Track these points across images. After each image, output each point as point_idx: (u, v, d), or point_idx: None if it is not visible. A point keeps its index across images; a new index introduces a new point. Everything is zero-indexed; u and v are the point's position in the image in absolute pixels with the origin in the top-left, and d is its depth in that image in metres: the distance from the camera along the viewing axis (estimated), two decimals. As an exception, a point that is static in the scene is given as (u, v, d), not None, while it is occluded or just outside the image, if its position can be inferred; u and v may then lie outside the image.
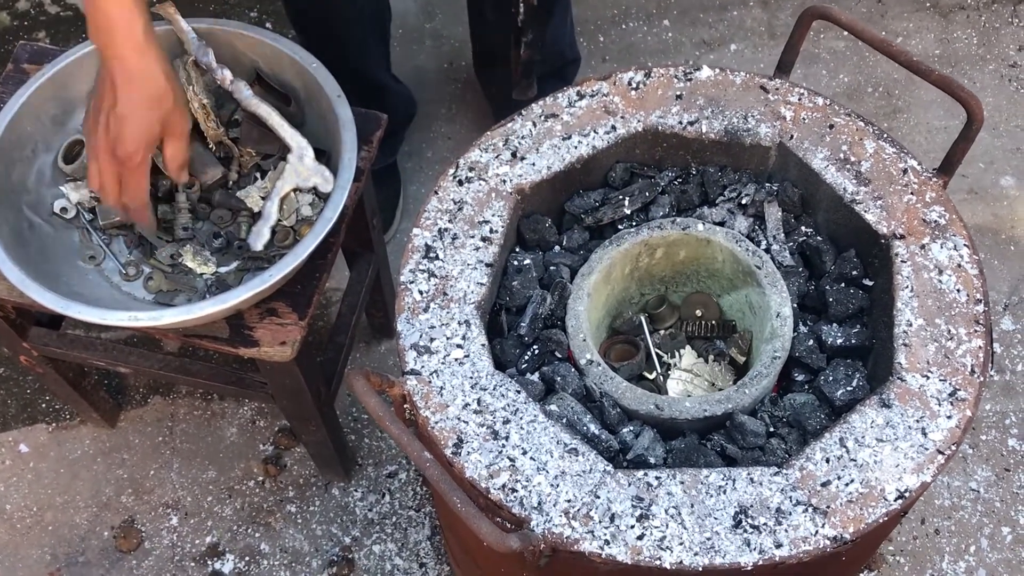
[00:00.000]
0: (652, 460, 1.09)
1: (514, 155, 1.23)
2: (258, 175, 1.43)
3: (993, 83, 2.41)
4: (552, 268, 1.23)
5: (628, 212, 1.24)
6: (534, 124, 1.25)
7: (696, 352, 1.29)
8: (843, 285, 1.19)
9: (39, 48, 1.56)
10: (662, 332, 1.31)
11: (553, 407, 1.11)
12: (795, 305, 1.20)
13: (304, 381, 1.47)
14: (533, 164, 1.22)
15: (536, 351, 1.17)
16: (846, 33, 2.46)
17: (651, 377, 1.27)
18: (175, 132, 1.26)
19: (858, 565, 1.11)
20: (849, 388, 1.13)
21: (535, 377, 1.16)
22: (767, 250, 1.24)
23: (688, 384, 1.25)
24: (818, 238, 1.23)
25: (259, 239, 1.35)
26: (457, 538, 1.36)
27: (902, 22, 2.49)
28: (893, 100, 2.38)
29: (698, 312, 1.31)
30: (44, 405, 2.03)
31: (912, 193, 1.18)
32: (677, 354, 1.27)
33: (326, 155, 1.39)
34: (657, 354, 1.28)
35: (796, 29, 1.24)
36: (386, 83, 2.04)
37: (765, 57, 2.44)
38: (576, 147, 1.23)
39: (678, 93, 1.26)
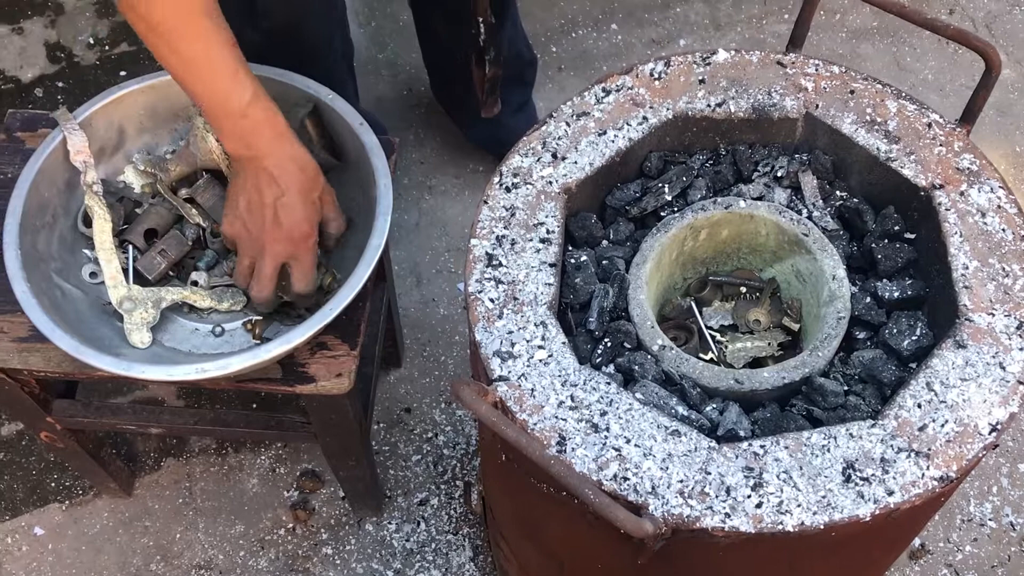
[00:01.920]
0: (742, 433, 1.11)
1: (555, 156, 1.24)
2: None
3: (932, 47, 2.51)
4: (605, 262, 1.25)
5: (669, 199, 1.27)
6: (567, 124, 1.26)
7: (746, 322, 1.32)
8: (887, 241, 1.23)
9: (30, 115, 1.53)
10: (713, 312, 1.33)
11: (639, 395, 1.12)
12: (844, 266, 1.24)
13: (351, 414, 1.46)
14: (575, 163, 1.24)
15: (608, 344, 1.19)
16: (787, 16, 2.55)
17: (707, 358, 1.30)
18: (330, 205, 1.34)
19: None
20: (914, 337, 1.17)
21: (611, 369, 1.18)
22: (808, 217, 1.27)
23: (749, 351, 1.28)
24: (854, 200, 1.27)
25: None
26: (537, 543, 1.36)
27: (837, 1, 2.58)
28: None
29: (743, 289, 1.34)
30: (53, 484, 1.97)
31: (941, 145, 1.23)
32: (744, 322, 1.29)
33: (351, 224, 1.39)
34: (711, 335, 1.31)
35: (806, 3, 1.28)
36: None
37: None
38: (613, 141, 1.25)
39: (700, 78, 1.29)
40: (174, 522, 1.93)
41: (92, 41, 2.51)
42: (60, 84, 2.44)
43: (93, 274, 1.36)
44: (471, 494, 1.80)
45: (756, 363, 1.29)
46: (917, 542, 1.89)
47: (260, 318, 1.35)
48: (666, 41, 2.52)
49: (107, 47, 2.50)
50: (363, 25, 2.51)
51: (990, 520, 1.90)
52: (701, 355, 1.29)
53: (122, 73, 2.45)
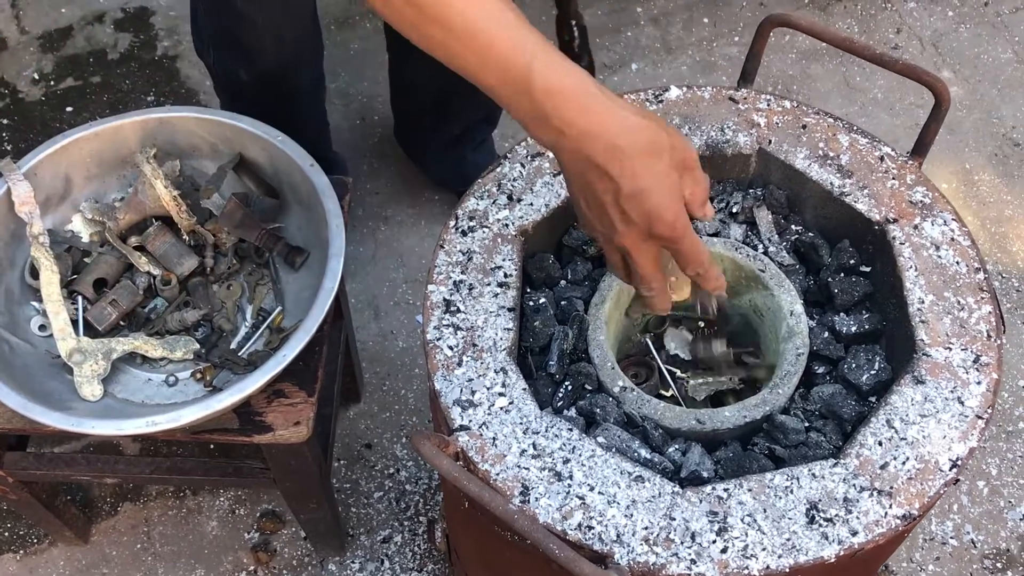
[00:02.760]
0: (705, 474, 1.11)
1: (510, 198, 1.23)
2: (235, 260, 1.40)
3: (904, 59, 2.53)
4: (564, 303, 1.24)
5: (626, 237, 1.26)
6: (522, 165, 1.26)
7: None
8: (844, 275, 1.24)
9: (-28, 164, 1.49)
10: (670, 350, 1.33)
11: (601, 439, 1.11)
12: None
13: (310, 459, 1.44)
14: (531, 204, 1.23)
15: (569, 387, 1.18)
16: (737, 39, 2.57)
17: (668, 394, 1.29)
18: (690, 164, 0.98)
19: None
20: (872, 371, 1.17)
21: (572, 412, 1.17)
22: (764, 252, 1.27)
23: (711, 386, 1.27)
24: (810, 234, 1.28)
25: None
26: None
27: (786, 21, 2.60)
28: (793, 96, 2.48)
29: (700, 324, 1.34)
30: (7, 534, 1.92)
31: (893, 178, 1.24)
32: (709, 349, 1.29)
33: (305, 254, 1.38)
34: (669, 371, 1.30)
35: (757, 38, 1.29)
36: (328, 155, 2.04)
37: (666, 72, 2.51)
38: (569, 181, 1.24)
39: (654, 115, 1.29)
40: (133, 568, 1.89)
41: (37, 76, 2.47)
42: (5, 121, 2.40)
43: (42, 327, 1.33)
44: (435, 531, 1.79)
45: (717, 397, 1.29)
46: (881, 563, 1.90)
47: (208, 365, 1.32)
48: (618, 66, 2.53)
49: (52, 82, 2.46)
50: (314, 55, 2.49)
51: (951, 539, 1.92)
52: (663, 391, 1.29)
53: (68, 109, 2.41)
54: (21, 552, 1.91)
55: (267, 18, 1.60)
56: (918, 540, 1.92)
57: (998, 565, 1.89)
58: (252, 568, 1.89)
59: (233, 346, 1.36)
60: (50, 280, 1.30)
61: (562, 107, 0.91)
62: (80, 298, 1.34)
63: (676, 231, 0.96)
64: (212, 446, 1.96)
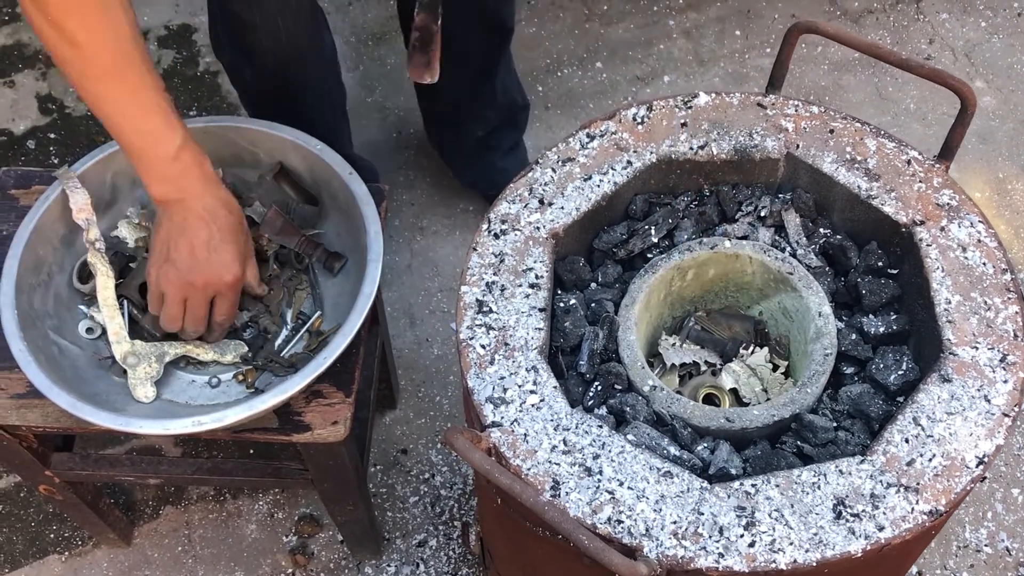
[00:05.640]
0: (733, 471, 1.12)
1: (541, 202, 1.26)
2: (276, 265, 1.44)
3: (914, 77, 2.53)
4: (594, 305, 1.26)
5: (655, 240, 1.29)
6: (553, 170, 1.29)
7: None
8: (871, 276, 1.26)
9: (23, 172, 1.55)
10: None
11: (631, 436, 1.14)
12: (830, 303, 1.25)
13: (347, 460, 1.47)
14: (562, 208, 1.26)
15: (599, 387, 1.20)
16: (768, 50, 2.59)
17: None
18: (250, 252, 1.36)
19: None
20: (900, 372, 1.18)
21: (603, 411, 1.19)
22: (793, 255, 1.29)
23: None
24: (838, 237, 1.29)
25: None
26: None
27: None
28: (825, 105, 2.49)
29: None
30: (52, 536, 1.97)
31: (920, 181, 1.25)
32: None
33: (344, 260, 1.41)
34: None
35: (784, 45, 1.31)
36: (351, 153, 2.07)
37: (697, 84, 2.54)
38: (599, 185, 1.27)
39: (683, 121, 1.31)
40: (173, 570, 1.94)
41: (83, 92, 2.53)
42: (52, 136, 2.47)
43: (90, 330, 1.37)
44: (469, 534, 1.81)
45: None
46: (914, 570, 1.89)
47: (251, 367, 1.36)
48: (650, 78, 2.55)
49: (98, 98, 2.52)
50: (351, 70, 2.54)
51: (986, 546, 1.91)
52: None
53: (113, 123, 2.47)
54: (67, 554, 1.95)
55: (263, 18, 1.64)
56: (952, 547, 1.92)
57: (1033, 573, 1.89)
58: (290, 571, 1.92)
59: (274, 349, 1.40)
60: (106, 285, 1.34)
61: (190, 176, 1.25)
62: (126, 302, 1.38)
63: (238, 283, 1.31)
64: (252, 450, 2.00)
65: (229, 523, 1.98)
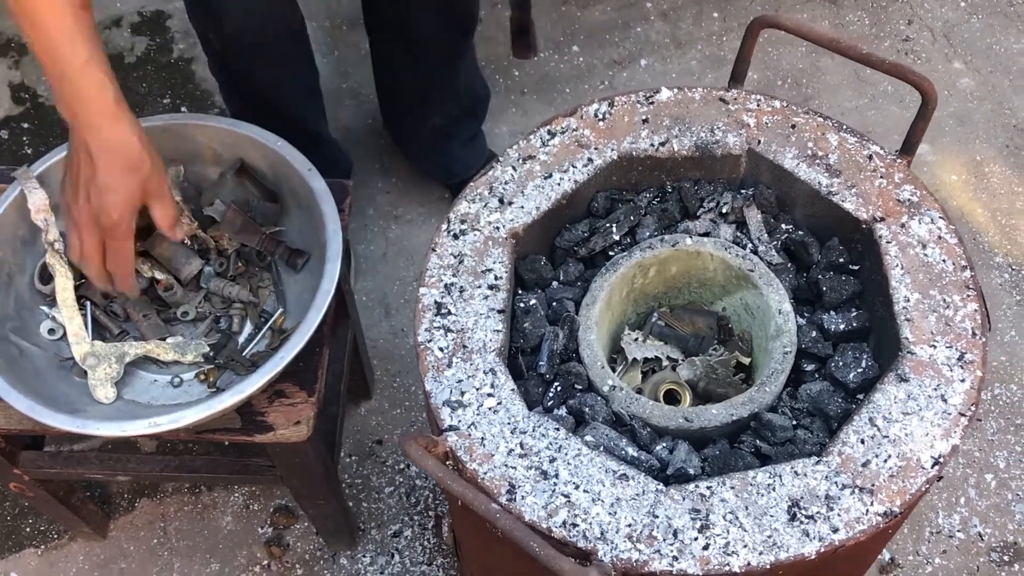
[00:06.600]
0: (691, 471, 1.12)
1: (501, 201, 1.25)
2: (240, 262, 1.43)
3: (891, 58, 2.52)
4: (555, 304, 1.26)
5: (617, 238, 1.28)
6: (514, 168, 1.28)
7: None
8: (833, 273, 1.25)
9: (-13, 170, 1.54)
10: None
11: (589, 438, 1.14)
12: (790, 300, 1.25)
13: (314, 457, 1.47)
14: (522, 207, 1.25)
15: (559, 387, 1.20)
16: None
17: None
18: (157, 194, 1.27)
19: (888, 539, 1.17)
20: (860, 369, 1.18)
21: (563, 412, 1.19)
22: (754, 252, 1.29)
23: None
24: (800, 233, 1.29)
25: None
26: (501, 583, 1.37)
27: (797, 13, 2.60)
28: (803, 89, 2.49)
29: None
30: (28, 529, 1.97)
31: (881, 177, 1.25)
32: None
33: (306, 256, 1.41)
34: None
35: (745, 40, 1.30)
36: (324, 134, 2.06)
37: (675, 67, 2.52)
38: (559, 184, 1.26)
39: (644, 117, 1.31)
40: (149, 563, 1.94)
41: (56, 80, 2.51)
42: (25, 125, 2.45)
43: (52, 331, 1.37)
44: (442, 526, 1.81)
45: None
46: (887, 555, 1.90)
47: (212, 367, 1.36)
48: (627, 61, 2.54)
49: (71, 86, 2.50)
50: (326, 55, 2.52)
51: (958, 531, 1.92)
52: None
53: (86, 112, 2.45)
54: (42, 547, 1.95)
55: None
56: (924, 533, 1.93)
57: (1005, 558, 1.89)
58: (266, 562, 1.93)
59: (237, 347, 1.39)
60: (64, 286, 1.34)
61: (86, 103, 1.19)
62: (88, 303, 1.37)
63: (116, 229, 1.23)
64: (226, 443, 2.00)
65: (205, 515, 1.98)
